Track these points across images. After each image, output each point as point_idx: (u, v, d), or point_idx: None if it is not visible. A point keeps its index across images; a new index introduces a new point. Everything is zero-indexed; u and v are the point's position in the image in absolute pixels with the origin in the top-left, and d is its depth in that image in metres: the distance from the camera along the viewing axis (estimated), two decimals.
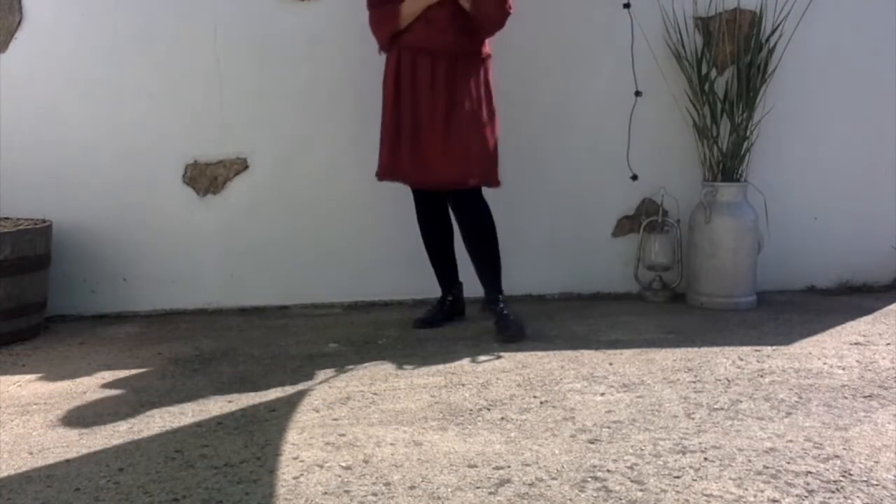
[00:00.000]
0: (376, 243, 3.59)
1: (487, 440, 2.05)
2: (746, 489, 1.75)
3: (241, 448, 2.03)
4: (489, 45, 3.08)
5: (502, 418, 2.20)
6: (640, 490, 1.76)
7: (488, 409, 2.27)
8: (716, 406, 2.26)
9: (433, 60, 2.95)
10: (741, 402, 2.29)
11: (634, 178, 3.63)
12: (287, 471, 1.89)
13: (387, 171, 3.07)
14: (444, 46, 2.95)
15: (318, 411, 2.28)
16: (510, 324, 3.00)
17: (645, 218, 3.68)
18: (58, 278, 3.41)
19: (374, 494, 1.76)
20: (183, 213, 3.55)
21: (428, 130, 2.96)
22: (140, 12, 3.45)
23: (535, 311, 3.44)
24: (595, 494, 1.74)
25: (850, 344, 2.87)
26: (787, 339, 2.94)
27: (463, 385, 2.48)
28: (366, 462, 1.93)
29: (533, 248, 3.67)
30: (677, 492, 1.75)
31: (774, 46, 3.54)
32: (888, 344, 2.86)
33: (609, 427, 2.12)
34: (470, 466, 1.89)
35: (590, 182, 3.67)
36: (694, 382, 2.47)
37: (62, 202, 3.47)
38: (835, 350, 2.79)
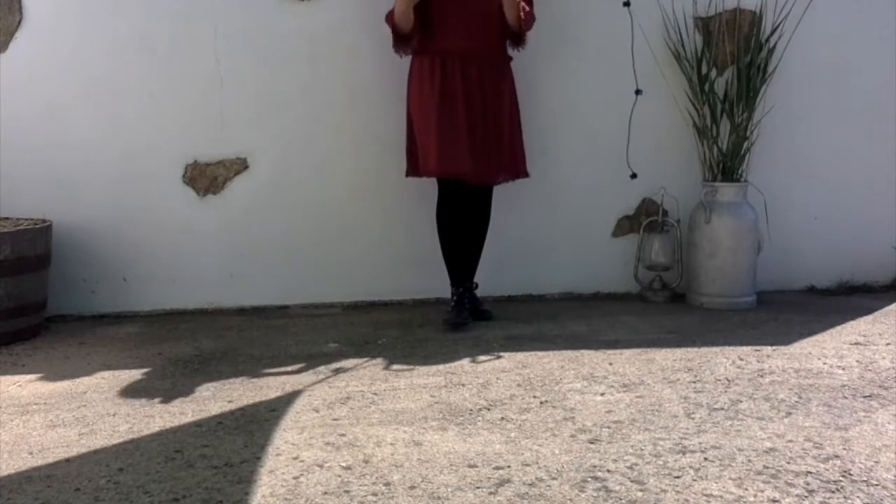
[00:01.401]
0: (376, 243, 3.59)
1: (487, 440, 2.05)
2: (746, 489, 1.75)
3: (241, 448, 2.03)
4: (509, 49, 3.28)
5: (502, 418, 2.20)
6: (640, 490, 1.76)
7: (488, 409, 2.27)
8: (716, 406, 2.27)
9: (477, 64, 3.11)
10: (741, 402, 2.29)
11: (633, 176, 3.63)
12: (287, 471, 1.89)
13: (438, 168, 3.11)
14: (483, 52, 3.14)
15: (318, 411, 2.28)
16: (482, 305, 3.34)
17: (645, 218, 3.68)
18: (58, 278, 3.41)
19: (374, 494, 1.76)
20: (183, 213, 3.55)
21: (480, 131, 3.13)
22: (140, 12, 3.45)
23: (535, 311, 3.45)
24: (595, 494, 1.74)
25: (850, 344, 2.87)
26: (787, 339, 2.94)
27: (463, 385, 2.48)
28: (366, 462, 1.93)
29: (533, 248, 3.67)
30: (677, 492, 1.75)
31: (774, 46, 3.55)
32: (888, 344, 2.86)
33: (609, 427, 2.12)
34: (470, 466, 1.89)
35: (590, 182, 3.67)
36: (694, 382, 2.47)
37: (62, 202, 3.47)
38: (835, 350, 2.79)
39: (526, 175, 3.32)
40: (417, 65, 3.17)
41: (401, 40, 3.19)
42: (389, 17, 3.14)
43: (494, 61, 3.18)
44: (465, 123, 3.08)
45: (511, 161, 3.25)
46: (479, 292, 3.37)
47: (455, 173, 3.11)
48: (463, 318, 3.18)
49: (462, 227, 3.24)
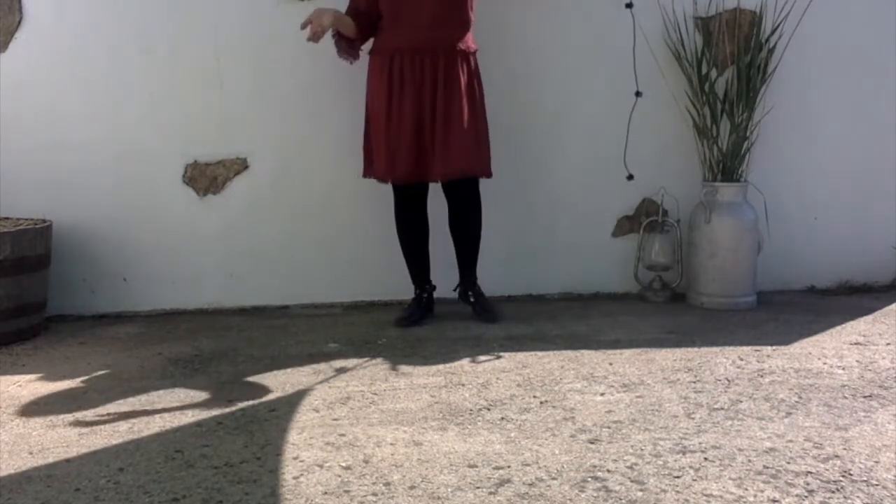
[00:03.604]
0: (376, 243, 3.59)
1: (487, 440, 2.05)
2: (746, 489, 1.75)
3: (241, 448, 2.03)
4: (473, 42, 3.16)
5: (502, 418, 2.20)
6: (640, 490, 1.76)
7: (488, 409, 2.27)
8: (716, 406, 2.27)
9: (422, 58, 3.04)
10: (741, 402, 2.29)
11: (630, 177, 3.63)
12: (287, 471, 1.89)
13: (386, 172, 3.13)
14: (430, 44, 3.04)
15: (318, 411, 2.28)
16: (490, 305, 3.27)
17: (645, 218, 3.68)
18: (58, 278, 3.41)
19: (374, 494, 1.76)
20: (183, 213, 3.55)
21: (429, 127, 3.06)
22: (140, 12, 3.45)
23: (535, 311, 3.44)
24: (595, 494, 1.74)
25: (850, 344, 2.87)
26: (787, 339, 2.94)
27: (463, 385, 2.48)
28: (366, 462, 1.93)
29: (533, 248, 3.67)
30: (677, 492, 1.75)
31: (774, 46, 3.54)
32: (888, 344, 2.86)
33: (609, 427, 2.12)
34: (470, 466, 1.89)
35: (590, 182, 3.67)
36: (694, 382, 2.47)
37: (62, 202, 3.47)
38: (835, 350, 2.79)
39: (489, 174, 3.17)
40: (370, 65, 3.16)
41: (344, 44, 3.17)
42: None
43: (445, 52, 3.05)
44: (410, 123, 3.04)
45: (473, 155, 3.08)
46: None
47: (397, 177, 3.11)
48: (408, 314, 3.26)
49: (417, 230, 3.27)
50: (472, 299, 3.29)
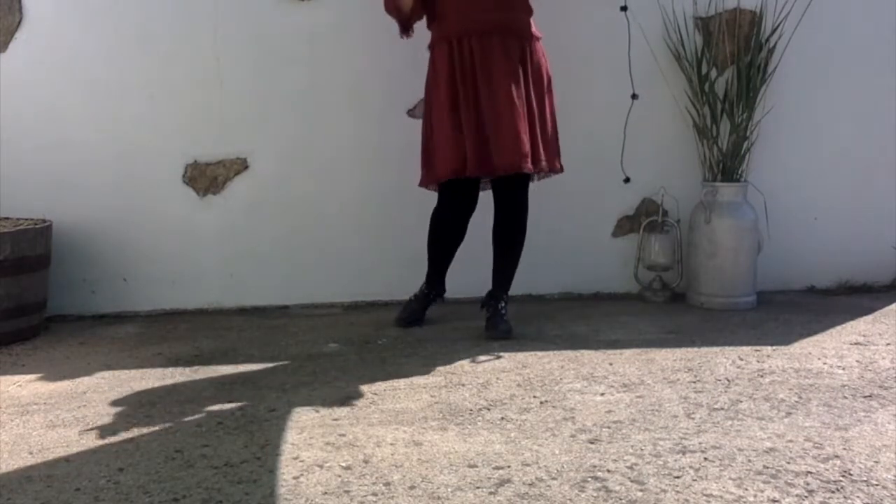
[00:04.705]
0: (376, 243, 3.59)
1: (487, 440, 2.05)
2: (746, 489, 1.75)
3: (241, 448, 2.03)
4: (536, 28, 3.05)
5: (502, 418, 2.20)
6: (640, 490, 1.76)
7: (488, 409, 2.27)
8: (716, 406, 2.26)
9: (490, 40, 2.89)
10: (741, 402, 2.29)
11: (627, 180, 3.62)
12: (287, 471, 1.89)
13: (451, 165, 2.92)
14: (497, 26, 2.91)
15: (318, 411, 2.28)
16: (500, 323, 3.04)
17: (645, 218, 3.68)
18: (58, 278, 3.41)
19: (374, 494, 1.76)
20: (183, 213, 3.55)
21: (491, 115, 2.88)
22: (140, 12, 3.45)
23: (535, 311, 3.45)
24: (595, 494, 1.74)
25: (850, 344, 2.87)
26: (787, 339, 2.94)
27: (463, 385, 2.48)
28: (366, 462, 1.93)
29: (533, 248, 3.64)
30: (677, 492, 1.75)
31: (774, 46, 3.55)
32: (888, 344, 2.86)
33: (609, 427, 2.12)
34: (470, 466, 1.89)
35: (590, 182, 3.66)
36: (694, 382, 2.47)
37: (62, 202, 3.47)
38: (835, 350, 2.79)
39: (558, 170, 3.08)
40: (433, 56, 3.03)
41: (401, 20, 3.07)
42: (387, 6, 3.06)
43: (518, 36, 2.92)
44: (476, 109, 2.88)
45: (544, 148, 2.95)
46: (479, 292, 3.35)
47: (465, 168, 2.91)
48: (408, 313, 3.22)
49: (455, 232, 3.15)
50: (488, 314, 3.10)
